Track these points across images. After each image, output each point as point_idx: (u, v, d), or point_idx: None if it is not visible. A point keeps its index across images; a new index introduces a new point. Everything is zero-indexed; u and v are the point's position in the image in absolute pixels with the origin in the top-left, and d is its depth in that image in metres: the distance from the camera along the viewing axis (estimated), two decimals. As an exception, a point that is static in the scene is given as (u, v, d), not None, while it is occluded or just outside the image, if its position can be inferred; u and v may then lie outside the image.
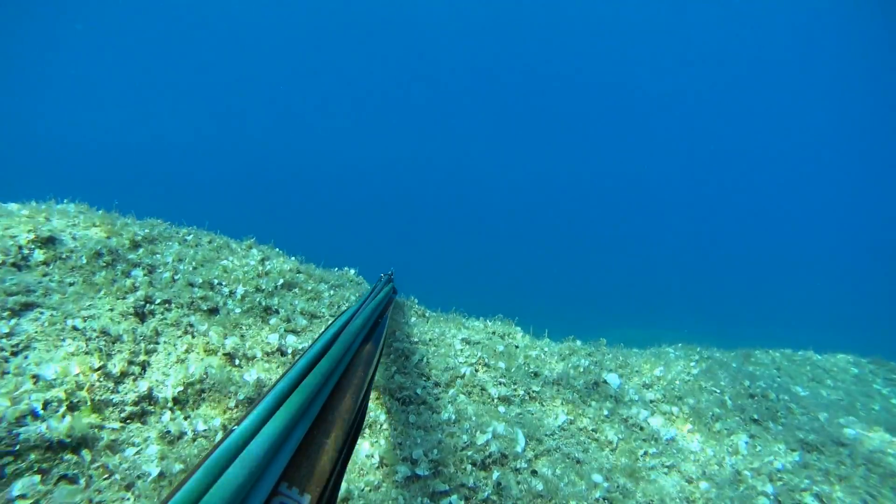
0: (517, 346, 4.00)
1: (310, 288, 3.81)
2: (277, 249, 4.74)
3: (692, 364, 4.99)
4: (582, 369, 3.85)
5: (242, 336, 3.08)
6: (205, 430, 2.40)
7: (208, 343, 2.89)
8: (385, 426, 2.67)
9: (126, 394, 2.41)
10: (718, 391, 4.35)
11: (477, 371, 3.35)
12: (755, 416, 3.92)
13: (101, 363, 2.45)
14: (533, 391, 3.33)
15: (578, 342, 4.50)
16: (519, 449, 2.72)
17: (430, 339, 3.64)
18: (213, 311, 3.23)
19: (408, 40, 50.09)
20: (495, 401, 3.11)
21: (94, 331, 2.65)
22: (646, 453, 3.09)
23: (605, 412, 3.33)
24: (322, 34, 48.59)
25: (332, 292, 3.88)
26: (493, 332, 4.12)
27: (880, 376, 7.25)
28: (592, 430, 3.12)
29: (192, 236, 4.21)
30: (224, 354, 2.86)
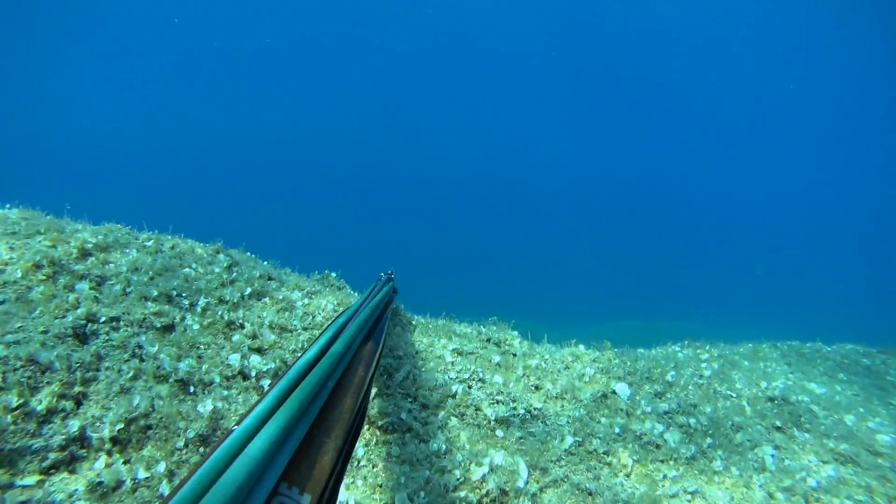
0: (515, 355, 3.63)
1: (281, 297, 3.41)
2: (249, 254, 4.33)
3: (703, 365, 4.63)
4: (587, 379, 3.47)
5: (200, 357, 2.68)
6: (146, 477, 2.01)
7: (159, 367, 2.49)
8: (363, 462, 2.28)
9: (51, 437, 2.01)
10: (735, 395, 3.99)
11: (470, 388, 2.96)
12: (778, 423, 3.57)
13: (22, 400, 2.05)
14: (534, 408, 2.95)
15: (581, 347, 4.13)
16: (521, 483, 2.34)
17: (417, 352, 3.25)
18: (168, 329, 2.83)
19: (394, 34, 49.56)
20: (492, 423, 2.73)
21: (20, 359, 2.24)
22: (665, 477, 2.72)
23: (617, 429, 2.96)
24: (303, 26, 47.94)
25: (306, 301, 3.48)
26: (488, 340, 3.74)
27: (892, 367, 6.96)
28: (604, 453, 2.74)
29: (152, 242, 3.79)
30: (176, 381, 2.47)
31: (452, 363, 3.20)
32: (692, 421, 3.25)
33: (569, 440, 2.73)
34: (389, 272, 3.91)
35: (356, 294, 4.73)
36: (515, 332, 4.48)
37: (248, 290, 3.38)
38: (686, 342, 6.01)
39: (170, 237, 4.03)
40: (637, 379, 3.66)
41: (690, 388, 3.87)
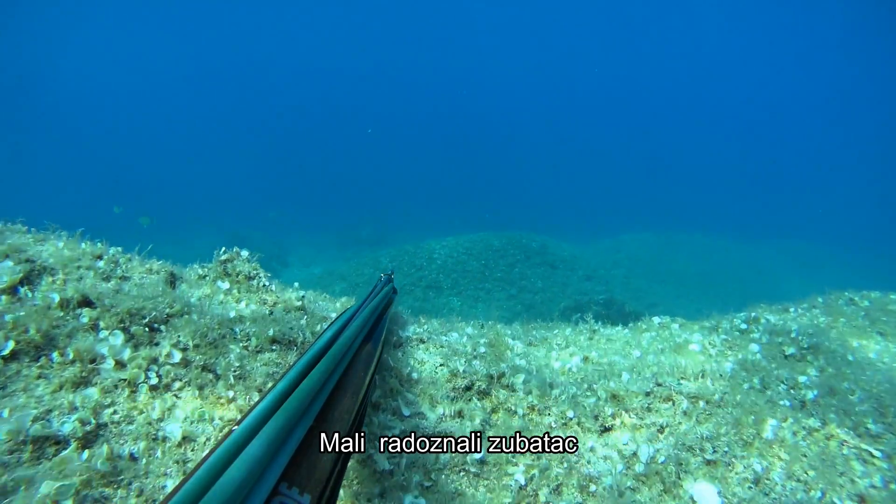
0: (515, 414, 2.08)
1: (74, 353, 1.78)
2: (88, 244, 2.62)
3: (801, 379, 3.08)
4: (642, 470, 1.94)
5: None
6: None
7: None
8: None
9: None
10: (883, 456, 2.47)
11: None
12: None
13: None
14: None
15: (625, 376, 2.56)
16: None
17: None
18: None
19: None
20: None
21: None
22: None
23: None
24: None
25: (129, 352, 1.86)
26: (468, 388, 2.16)
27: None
28: None
29: None
30: None
31: (381, 497, 1.65)
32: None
33: None
34: (389, 273, 3.52)
35: (266, 279, 3.12)
36: (517, 343, 2.92)
37: (10, 345, 1.75)
38: (752, 314, 4.41)
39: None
40: (719, 448, 2.12)
41: (802, 442, 2.35)
